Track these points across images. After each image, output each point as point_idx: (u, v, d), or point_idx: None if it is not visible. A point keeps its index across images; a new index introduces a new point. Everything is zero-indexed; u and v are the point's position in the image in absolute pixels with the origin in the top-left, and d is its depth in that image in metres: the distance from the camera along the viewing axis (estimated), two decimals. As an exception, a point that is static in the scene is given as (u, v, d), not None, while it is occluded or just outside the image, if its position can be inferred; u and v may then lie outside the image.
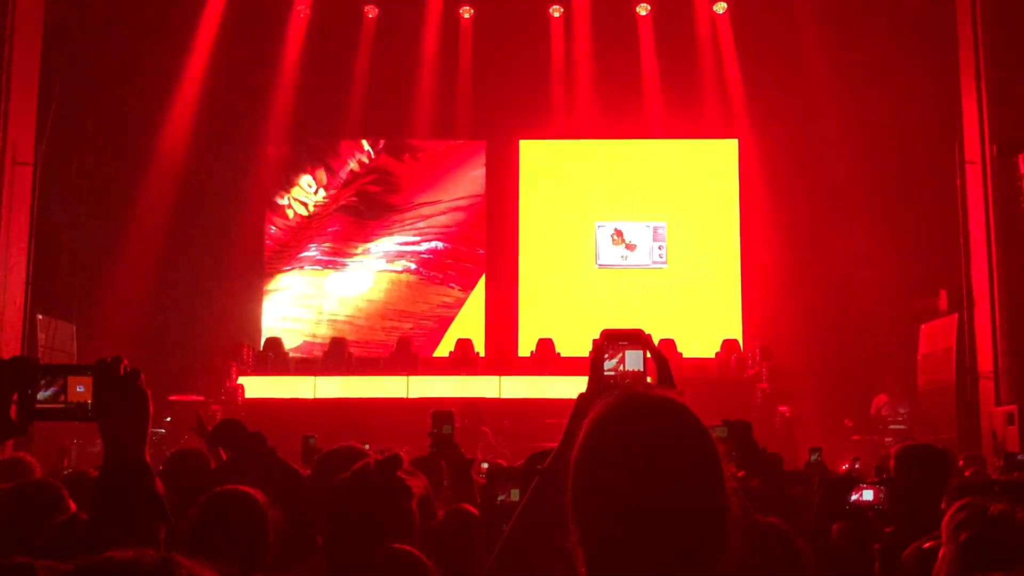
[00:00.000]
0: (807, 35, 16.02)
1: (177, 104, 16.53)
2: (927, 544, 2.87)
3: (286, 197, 17.89)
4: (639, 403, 1.51)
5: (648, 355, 1.86)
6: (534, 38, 16.96)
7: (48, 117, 13.47)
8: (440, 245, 17.96)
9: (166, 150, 16.50)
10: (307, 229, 17.97)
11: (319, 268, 17.91)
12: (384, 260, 18.00)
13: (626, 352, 1.78)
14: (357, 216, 18.00)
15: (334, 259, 17.88)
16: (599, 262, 17.87)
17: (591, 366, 1.79)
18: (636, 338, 1.79)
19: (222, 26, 16.43)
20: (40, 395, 1.92)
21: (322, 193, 17.94)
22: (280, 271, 17.94)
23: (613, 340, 1.79)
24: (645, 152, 18.23)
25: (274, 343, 16.97)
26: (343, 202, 18.00)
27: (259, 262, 18.01)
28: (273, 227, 17.93)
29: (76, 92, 14.61)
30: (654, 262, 17.90)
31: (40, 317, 13.41)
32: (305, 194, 17.86)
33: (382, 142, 18.12)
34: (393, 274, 18.00)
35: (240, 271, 17.53)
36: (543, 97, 17.29)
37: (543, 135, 18.21)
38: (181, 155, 16.55)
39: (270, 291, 17.79)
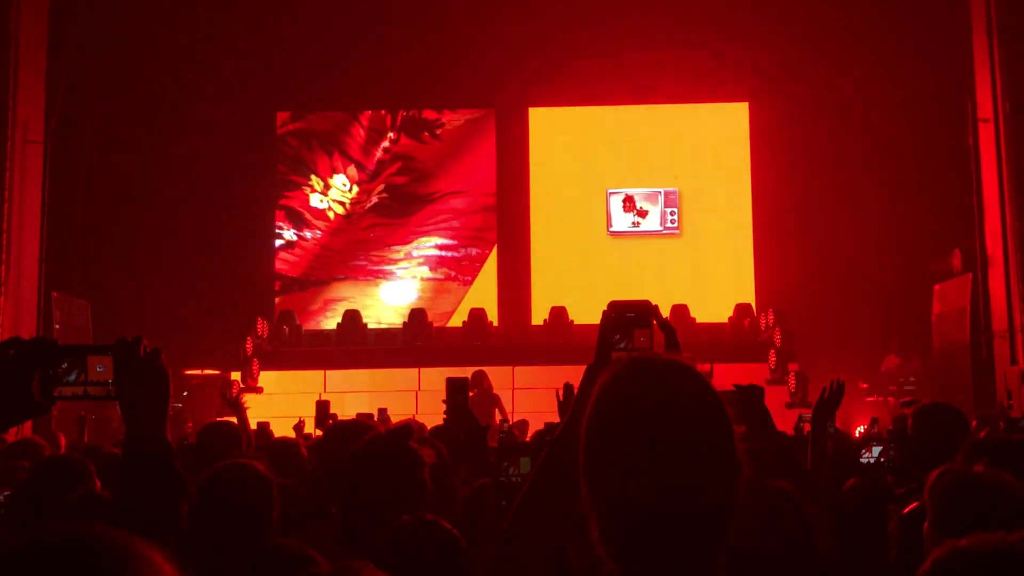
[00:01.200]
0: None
1: (189, 78, 16.51)
2: (908, 508, 2.87)
3: (325, 200, 17.85)
4: (648, 366, 1.52)
5: (656, 326, 1.87)
6: (543, 4, 16.83)
7: (57, 94, 13.48)
8: (474, 251, 17.95)
9: (178, 124, 16.50)
10: (347, 231, 17.97)
11: (371, 279, 17.90)
12: (427, 267, 17.99)
13: (635, 329, 1.79)
14: (390, 216, 17.96)
15: (382, 268, 17.88)
16: (611, 229, 17.84)
17: (599, 338, 1.80)
18: (643, 311, 1.79)
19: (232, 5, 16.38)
20: (61, 375, 1.95)
21: (356, 189, 17.90)
22: (335, 278, 17.92)
23: (620, 313, 1.79)
24: (656, 118, 18.13)
25: (288, 316, 17.04)
26: (376, 199, 17.94)
27: (271, 233, 18.03)
28: (318, 231, 17.91)
29: (85, 68, 14.61)
30: (666, 228, 17.85)
31: (55, 294, 13.49)
32: (342, 194, 17.84)
33: (400, 117, 18.05)
34: (435, 282, 17.99)
35: (253, 243, 17.57)
36: (552, 64, 17.19)
37: (553, 102, 18.13)
38: (194, 129, 16.55)
39: (332, 299, 17.78)
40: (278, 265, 17.90)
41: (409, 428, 2.49)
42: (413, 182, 18.09)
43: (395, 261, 17.94)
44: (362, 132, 18.15)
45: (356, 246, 17.95)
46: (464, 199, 17.98)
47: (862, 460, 4.03)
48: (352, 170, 18.03)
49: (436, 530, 2.31)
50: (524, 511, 1.77)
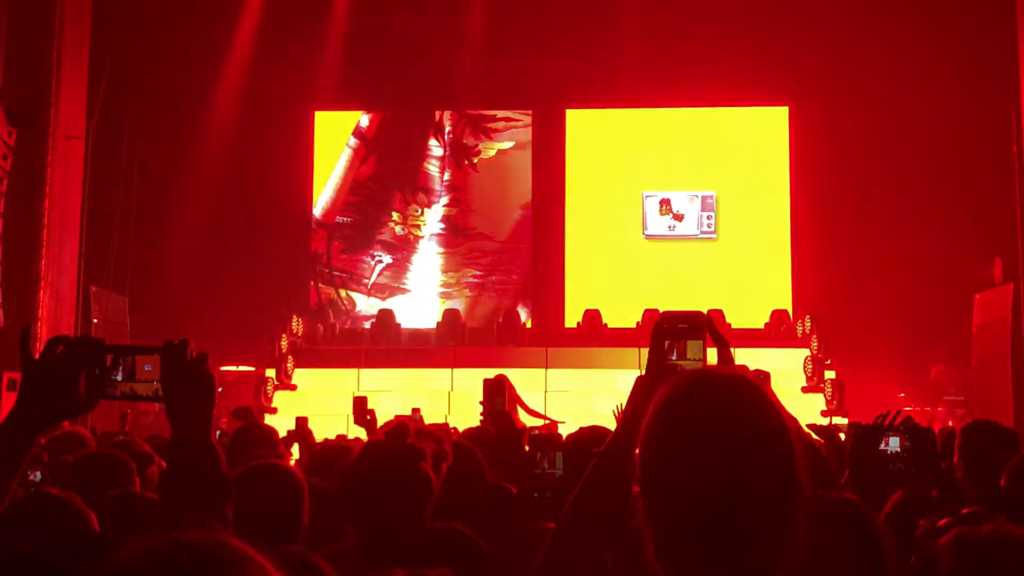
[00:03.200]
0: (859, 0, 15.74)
1: (227, 75, 16.64)
2: (941, 522, 2.79)
3: (401, 227, 18.14)
4: (708, 380, 1.50)
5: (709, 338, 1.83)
6: (581, 6, 16.79)
7: (99, 91, 13.61)
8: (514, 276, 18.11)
9: (217, 122, 16.63)
10: (415, 251, 18.28)
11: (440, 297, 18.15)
12: (468, 290, 18.14)
13: (687, 341, 1.76)
14: (445, 245, 18.24)
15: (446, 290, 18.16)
16: (646, 232, 17.77)
17: (651, 350, 1.77)
18: (696, 323, 1.76)
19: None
20: (108, 374, 1.96)
21: (426, 212, 18.18)
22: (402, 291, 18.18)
23: (672, 324, 1.76)
24: (693, 120, 18.04)
25: (323, 314, 17.12)
26: (436, 231, 18.28)
27: (307, 233, 18.13)
28: (406, 252, 18.20)
29: (127, 66, 14.75)
30: (703, 232, 17.75)
31: (94, 289, 13.62)
32: (416, 219, 18.16)
33: (449, 136, 18.17)
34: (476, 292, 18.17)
35: (290, 242, 17.67)
36: (590, 66, 17.14)
37: (590, 104, 18.09)
38: (231, 127, 16.68)
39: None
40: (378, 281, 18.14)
41: (404, 426, 2.50)
42: (460, 213, 18.27)
43: (449, 284, 18.13)
44: (424, 161, 18.30)
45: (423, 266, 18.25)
46: (491, 242, 18.08)
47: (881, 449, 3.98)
48: (421, 196, 18.25)
49: (459, 538, 2.30)
50: (570, 523, 1.74)
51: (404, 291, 18.08)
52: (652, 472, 1.46)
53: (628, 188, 17.92)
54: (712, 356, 1.85)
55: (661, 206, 17.78)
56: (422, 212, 18.26)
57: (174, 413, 1.93)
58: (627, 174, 17.96)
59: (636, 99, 17.61)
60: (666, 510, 1.44)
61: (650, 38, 16.64)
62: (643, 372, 1.86)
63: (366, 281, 18.16)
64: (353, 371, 15.38)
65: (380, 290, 18.06)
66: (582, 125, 18.32)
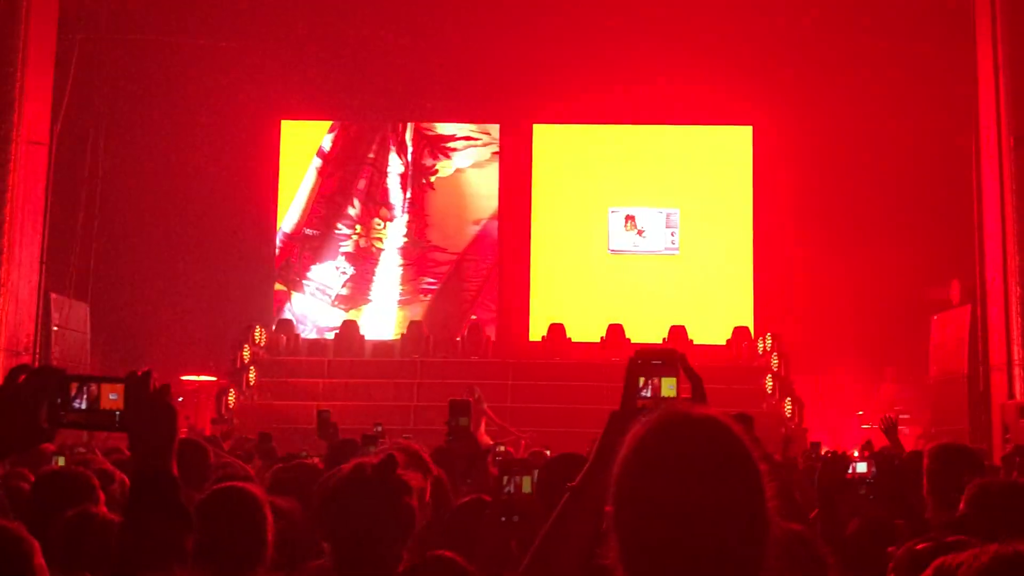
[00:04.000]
0: (823, 22, 15.92)
1: (192, 83, 16.53)
2: (920, 545, 2.86)
3: (363, 240, 18.27)
4: (682, 420, 1.53)
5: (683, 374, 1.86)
6: (549, 22, 16.87)
7: (63, 97, 13.48)
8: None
9: (181, 130, 16.51)
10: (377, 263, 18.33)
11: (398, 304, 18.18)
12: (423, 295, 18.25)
13: (662, 378, 1.79)
14: (406, 258, 18.33)
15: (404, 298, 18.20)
16: (611, 247, 17.86)
17: (625, 386, 1.80)
18: (670, 360, 1.79)
19: (235, 5, 16.40)
20: (69, 403, 1.96)
21: (388, 226, 18.23)
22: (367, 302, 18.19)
23: (647, 360, 1.79)
24: (659, 138, 18.19)
25: (286, 325, 17.04)
26: (398, 244, 18.36)
27: (271, 242, 18.04)
28: (354, 268, 18.22)
29: (91, 72, 14.62)
30: (666, 248, 17.88)
31: (54, 296, 13.46)
32: (378, 232, 18.26)
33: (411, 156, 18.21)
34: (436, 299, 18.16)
35: (252, 252, 17.56)
36: (558, 82, 17.23)
37: (557, 119, 18.18)
38: (196, 135, 16.58)
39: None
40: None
41: (394, 458, 2.50)
42: (418, 227, 18.35)
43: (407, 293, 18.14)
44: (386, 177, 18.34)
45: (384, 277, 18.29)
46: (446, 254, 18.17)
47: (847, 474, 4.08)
48: (384, 211, 18.30)
49: (452, 568, 2.32)
50: (541, 557, 1.76)
51: (366, 301, 18.06)
52: (625, 508, 1.49)
53: (594, 203, 18.02)
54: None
55: (626, 222, 17.89)
56: (384, 226, 18.27)
57: (136, 443, 1.93)
58: (593, 189, 18.06)
59: (603, 116, 17.72)
60: (639, 547, 1.46)
61: (619, 57, 16.76)
62: (617, 408, 1.88)
63: (330, 292, 18.13)
64: (316, 382, 15.32)
65: (343, 301, 18.02)
66: (549, 140, 18.40)
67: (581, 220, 18.01)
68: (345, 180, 18.39)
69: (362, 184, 18.37)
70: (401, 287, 18.15)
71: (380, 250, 18.29)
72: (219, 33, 16.34)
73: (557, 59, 16.95)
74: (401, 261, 18.22)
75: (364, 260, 18.22)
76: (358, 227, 18.34)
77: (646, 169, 18.09)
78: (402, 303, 18.06)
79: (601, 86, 17.06)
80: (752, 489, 1.47)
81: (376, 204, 18.38)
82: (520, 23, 16.73)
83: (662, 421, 1.52)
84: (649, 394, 1.79)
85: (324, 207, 18.34)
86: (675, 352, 1.82)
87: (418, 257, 18.21)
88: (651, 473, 1.47)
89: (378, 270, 18.20)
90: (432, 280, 18.13)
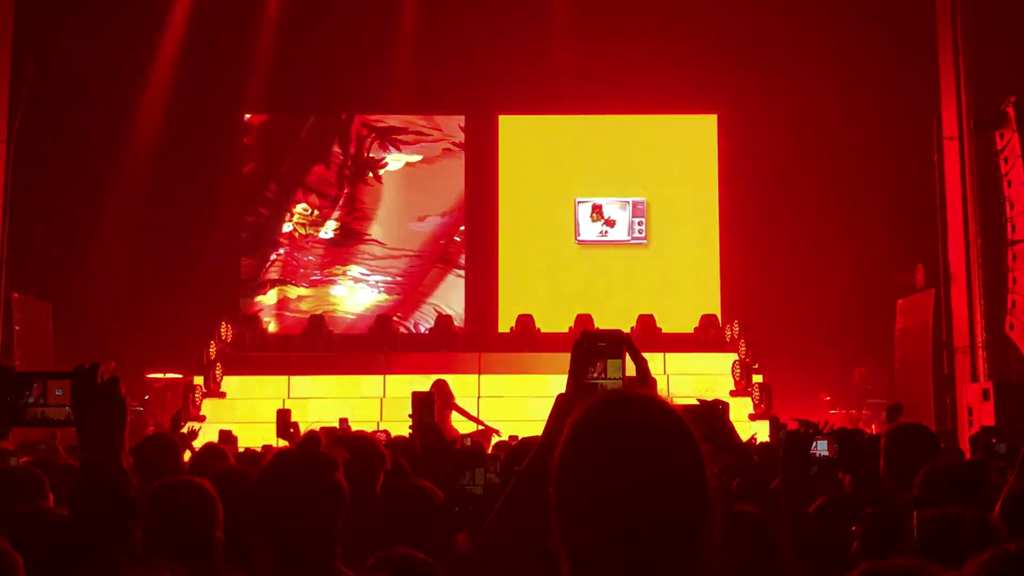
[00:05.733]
0: (785, 10, 15.99)
1: (153, 78, 16.36)
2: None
3: (290, 224, 18.03)
4: (620, 402, 1.52)
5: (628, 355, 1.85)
6: (513, 12, 16.84)
7: (21, 94, 13.31)
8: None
9: (143, 125, 16.35)
10: (307, 250, 18.10)
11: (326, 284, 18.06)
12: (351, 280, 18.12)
13: (608, 360, 1.78)
14: (337, 247, 18.20)
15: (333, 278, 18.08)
16: (579, 238, 17.88)
17: (571, 368, 1.79)
18: (616, 341, 1.79)
19: (196, 5, 16.24)
20: (20, 400, 1.97)
21: (316, 212, 18.09)
22: (294, 283, 18.04)
23: (592, 342, 1.78)
24: (625, 127, 18.19)
25: (252, 320, 16.93)
26: (332, 234, 18.16)
27: (237, 238, 17.91)
28: (282, 249, 18.08)
29: (51, 67, 14.45)
30: (634, 238, 17.91)
31: (15, 296, 13.29)
32: (305, 218, 18.06)
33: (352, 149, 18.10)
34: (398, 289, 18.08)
35: (219, 247, 17.43)
36: (523, 72, 17.20)
37: (523, 110, 18.15)
38: (158, 130, 16.41)
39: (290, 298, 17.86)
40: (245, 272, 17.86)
41: (316, 435, 2.50)
42: (356, 220, 18.20)
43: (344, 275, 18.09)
44: (325, 167, 18.20)
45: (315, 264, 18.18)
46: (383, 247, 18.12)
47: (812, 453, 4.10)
48: (314, 198, 18.12)
49: (414, 563, 2.32)
50: (490, 539, 1.75)
51: (298, 286, 17.99)
52: (566, 492, 1.48)
53: (560, 194, 18.01)
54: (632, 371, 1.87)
55: (593, 212, 17.90)
56: (311, 212, 18.12)
57: (84, 435, 1.93)
58: (560, 180, 18.05)
59: (569, 106, 17.69)
60: (579, 530, 1.46)
61: (582, 46, 16.75)
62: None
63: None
64: (283, 378, 15.24)
65: (273, 285, 17.93)
66: (515, 131, 18.37)
67: (549, 211, 18.00)
68: (290, 165, 18.26)
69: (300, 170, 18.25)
70: (320, 273, 18.08)
71: (304, 235, 18.14)
72: (180, 26, 16.20)
73: (522, 50, 16.92)
74: (321, 251, 18.13)
75: (296, 247, 18.13)
76: (297, 213, 18.20)
77: (612, 159, 18.09)
78: (323, 283, 17.98)
79: (566, 77, 17.02)
80: (691, 467, 1.46)
81: (306, 191, 18.26)
82: (485, 14, 16.68)
83: (599, 403, 1.51)
84: (596, 376, 1.78)
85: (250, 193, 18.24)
86: (620, 333, 1.82)
87: (350, 247, 18.10)
88: (589, 455, 1.47)
89: (308, 257, 18.11)
90: (364, 271, 18.00)
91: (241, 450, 6.69)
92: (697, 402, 3.51)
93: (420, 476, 4.18)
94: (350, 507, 2.40)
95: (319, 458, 2.39)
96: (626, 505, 1.43)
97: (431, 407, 4.67)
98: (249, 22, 16.73)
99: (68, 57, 15.29)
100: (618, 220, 17.91)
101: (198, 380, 14.66)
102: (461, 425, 12.02)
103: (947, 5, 12.70)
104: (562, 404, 1.78)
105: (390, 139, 18.26)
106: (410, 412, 4.79)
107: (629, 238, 17.91)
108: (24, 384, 1.99)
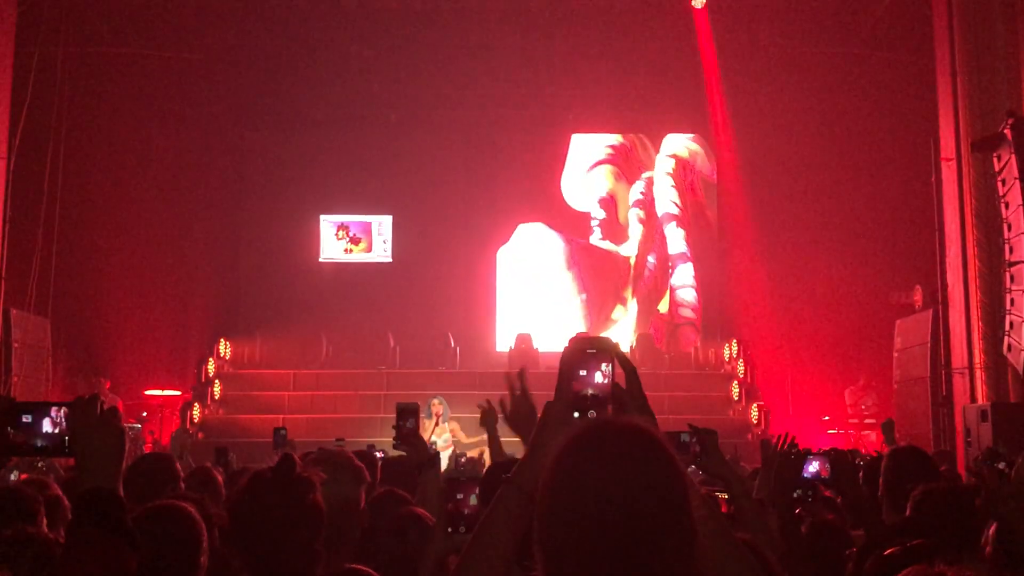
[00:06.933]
0: (785, 31, 16.04)
1: (152, 99, 16.35)
2: (888, 551, 2.88)
3: None
4: (605, 436, 1.51)
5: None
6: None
7: (22, 110, 13.34)
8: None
9: (141, 143, 16.35)
10: None
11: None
12: None
13: (598, 365, 1.76)
14: None
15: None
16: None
17: (559, 375, 1.77)
18: (604, 349, 1.77)
19: (199, 20, 16.27)
20: (17, 429, 1.99)
21: None
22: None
23: (581, 350, 1.77)
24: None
25: (249, 338, 16.92)
26: None
27: (236, 256, 17.90)
28: None
29: (52, 84, 14.47)
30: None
31: (14, 312, 13.27)
32: None
33: None
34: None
35: (218, 264, 17.42)
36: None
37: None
38: (156, 149, 16.42)
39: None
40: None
41: (291, 458, 2.50)
42: None
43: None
44: None
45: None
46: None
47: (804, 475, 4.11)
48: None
49: None
50: (475, 547, 1.73)
51: None
52: (548, 528, 1.47)
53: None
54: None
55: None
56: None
57: (82, 466, 1.94)
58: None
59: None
60: (560, 566, 1.45)
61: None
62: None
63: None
64: (281, 395, 15.22)
65: None
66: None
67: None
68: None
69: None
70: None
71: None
72: (181, 45, 16.22)
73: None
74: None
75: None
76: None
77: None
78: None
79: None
80: (676, 500, 1.46)
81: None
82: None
83: (583, 437, 1.51)
84: (583, 383, 1.76)
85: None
86: (608, 341, 1.80)
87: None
88: (572, 489, 1.46)
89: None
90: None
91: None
92: (689, 429, 3.50)
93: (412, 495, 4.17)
94: (329, 527, 2.40)
95: (295, 480, 2.39)
96: (609, 542, 1.42)
97: (416, 416, 4.66)
98: (255, 40, 16.72)
99: (69, 73, 15.32)
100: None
101: (196, 398, 14.64)
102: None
103: (945, 27, 12.73)
104: (549, 410, 1.77)
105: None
106: (394, 424, 4.79)
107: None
108: (22, 413, 2.01)
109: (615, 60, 16.75)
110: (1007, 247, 10.91)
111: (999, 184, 11.13)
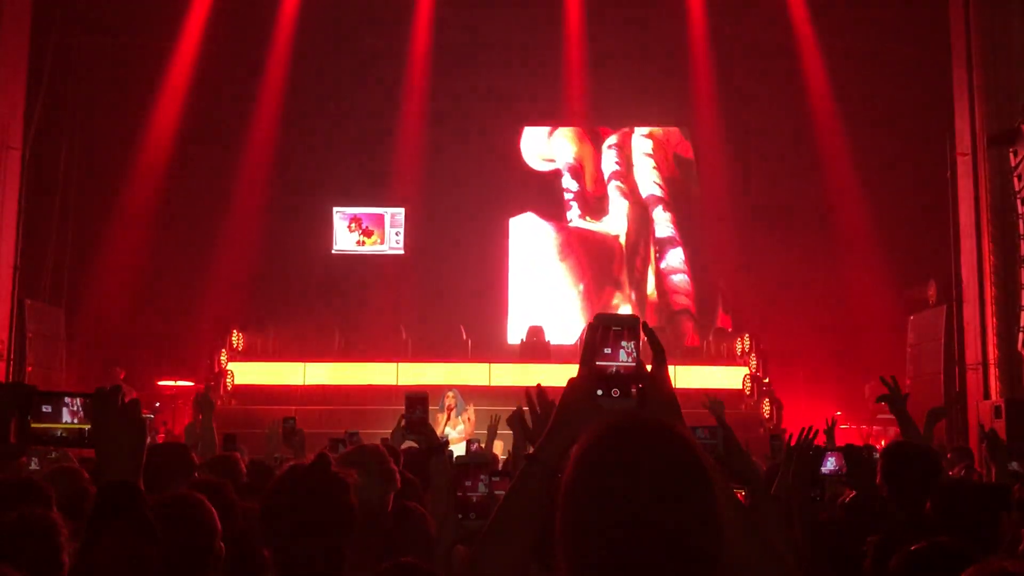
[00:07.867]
0: (802, 26, 15.99)
1: (167, 89, 16.39)
2: (915, 547, 2.87)
3: None
4: (626, 431, 1.49)
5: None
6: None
7: (37, 102, 13.38)
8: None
9: (155, 134, 16.38)
10: None
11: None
12: None
13: (621, 343, 1.72)
14: None
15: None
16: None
17: (583, 351, 1.72)
18: (631, 326, 1.72)
19: (212, 11, 16.29)
20: (39, 419, 1.97)
21: None
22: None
23: (607, 326, 1.72)
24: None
25: (262, 327, 16.93)
26: None
27: (248, 246, 17.90)
28: None
29: (66, 76, 14.52)
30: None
31: (28, 302, 13.33)
32: None
33: None
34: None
35: (229, 254, 17.42)
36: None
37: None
38: (170, 139, 16.44)
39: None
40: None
41: (327, 457, 2.49)
42: None
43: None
44: None
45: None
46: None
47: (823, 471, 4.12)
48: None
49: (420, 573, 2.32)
50: (497, 524, 1.72)
51: None
52: (570, 528, 1.46)
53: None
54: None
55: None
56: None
57: (103, 457, 1.92)
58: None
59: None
60: (582, 566, 1.44)
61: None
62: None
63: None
64: (294, 386, 15.23)
65: None
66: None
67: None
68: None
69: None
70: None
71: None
72: (196, 36, 16.24)
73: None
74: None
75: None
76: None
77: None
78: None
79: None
80: (701, 493, 1.44)
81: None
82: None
83: (604, 435, 1.48)
84: (608, 360, 1.72)
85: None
86: (636, 318, 1.75)
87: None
88: (594, 490, 1.44)
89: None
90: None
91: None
92: (707, 427, 3.47)
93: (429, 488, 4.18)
94: (358, 529, 2.40)
95: (333, 479, 2.38)
96: (632, 543, 1.41)
97: (425, 405, 4.66)
98: (260, 32, 16.76)
99: (84, 66, 15.36)
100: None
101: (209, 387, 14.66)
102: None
103: (961, 21, 12.65)
104: (571, 390, 1.73)
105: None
106: (403, 413, 4.80)
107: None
108: (41, 402, 1.99)
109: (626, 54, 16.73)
110: (1022, 243, 10.87)
111: (1015, 179, 11.08)
